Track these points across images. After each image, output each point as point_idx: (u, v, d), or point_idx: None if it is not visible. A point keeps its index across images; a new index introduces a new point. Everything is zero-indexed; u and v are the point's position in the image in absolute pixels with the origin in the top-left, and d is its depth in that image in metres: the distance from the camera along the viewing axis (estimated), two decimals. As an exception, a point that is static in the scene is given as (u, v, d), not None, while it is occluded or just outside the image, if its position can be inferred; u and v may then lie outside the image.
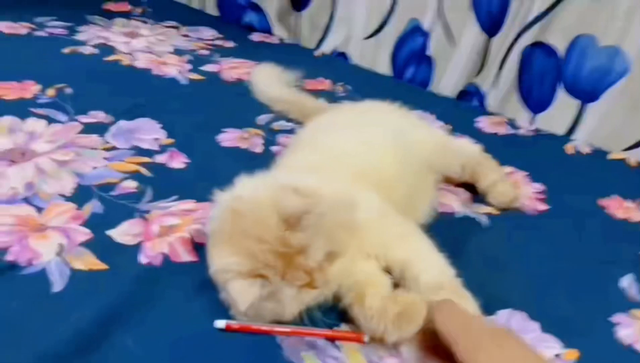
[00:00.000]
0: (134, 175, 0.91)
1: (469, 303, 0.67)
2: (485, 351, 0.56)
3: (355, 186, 0.76)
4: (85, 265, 0.71)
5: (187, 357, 0.61)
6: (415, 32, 1.51)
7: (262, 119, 1.18)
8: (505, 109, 1.42)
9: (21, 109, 1.05)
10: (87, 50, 1.38)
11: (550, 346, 0.70)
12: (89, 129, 1.03)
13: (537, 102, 1.38)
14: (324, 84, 1.42)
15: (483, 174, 1.01)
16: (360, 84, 1.44)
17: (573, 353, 0.69)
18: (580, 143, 1.29)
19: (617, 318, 0.76)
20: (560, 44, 1.29)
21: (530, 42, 1.33)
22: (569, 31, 1.27)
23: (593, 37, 1.25)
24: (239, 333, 0.65)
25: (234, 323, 0.65)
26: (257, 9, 1.77)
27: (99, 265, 0.72)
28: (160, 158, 0.97)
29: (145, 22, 1.67)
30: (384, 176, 0.82)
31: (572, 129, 1.35)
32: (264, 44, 1.69)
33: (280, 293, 0.64)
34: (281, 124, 1.17)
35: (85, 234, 0.76)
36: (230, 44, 1.61)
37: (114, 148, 0.98)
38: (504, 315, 0.74)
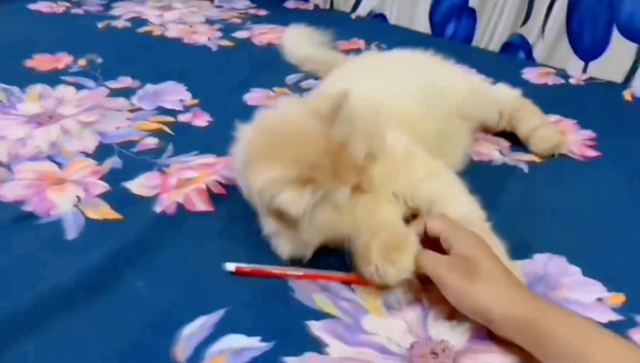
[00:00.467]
0: (156, 133, 0.91)
1: (495, 246, 0.62)
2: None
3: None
4: (99, 214, 0.71)
5: (197, 299, 0.59)
6: (454, -16, 1.43)
7: (291, 79, 1.15)
8: (554, 59, 1.32)
9: (53, 78, 1.07)
10: (120, 24, 1.40)
11: (592, 289, 0.63)
12: (116, 93, 1.03)
13: (589, 49, 1.28)
14: (358, 44, 1.37)
15: (523, 120, 0.94)
16: (397, 43, 1.37)
17: (618, 297, 0.62)
18: (639, 89, 1.18)
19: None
20: (612, -20, 1.18)
21: (578, -19, 1.23)
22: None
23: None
24: (250, 277, 0.63)
25: (244, 266, 0.63)
26: (292, -24, 1.74)
27: (113, 214, 0.71)
28: (183, 117, 0.96)
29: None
30: (409, 117, 0.77)
31: (629, 76, 1.24)
32: (298, 11, 1.65)
33: (334, 196, 0.59)
34: (310, 83, 1.13)
35: (102, 187, 0.76)
36: (263, 12, 1.58)
37: (139, 110, 0.98)
38: (541, 259, 0.68)
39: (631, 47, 1.22)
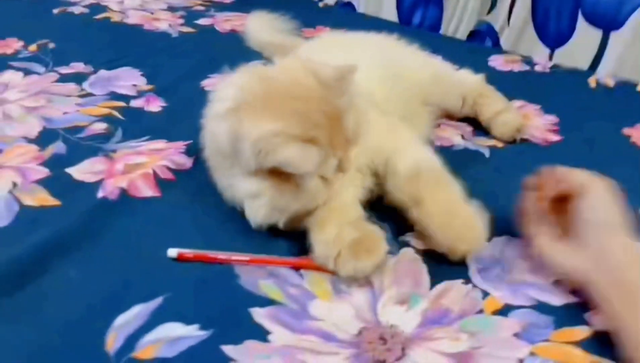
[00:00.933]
0: (106, 118, 0.87)
1: (448, 188, 0.62)
2: None
3: None
4: (36, 201, 0.67)
5: (135, 287, 0.56)
6: (420, -28, 1.41)
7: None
8: (521, 46, 1.31)
9: (0, 63, 1.02)
10: (77, 9, 1.34)
11: (549, 272, 0.61)
12: (66, 79, 0.99)
13: (555, 36, 1.27)
14: (323, 31, 1.34)
15: (485, 105, 0.92)
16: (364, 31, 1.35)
17: (575, 279, 0.60)
18: (604, 76, 1.17)
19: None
20: (576, -34, 1.18)
21: (542, -33, 1.22)
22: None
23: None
24: (194, 263, 0.59)
25: (186, 252, 0.59)
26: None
27: (51, 201, 0.67)
28: (136, 103, 0.93)
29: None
30: (375, 98, 0.74)
31: (595, 63, 1.24)
32: (265, -1, 1.61)
33: (327, 163, 0.57)
34: (272, 69, 1.10)
35: (42, 172, 0.72)
36: (228, 0, 1.54)
37: (89, 95, 0.94)
38: (499, 242, 0.66)
39: (596, 34, 1.21)
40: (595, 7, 1.20)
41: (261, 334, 0.52)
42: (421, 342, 0.52)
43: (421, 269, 0.61)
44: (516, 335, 0.53)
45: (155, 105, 0.92)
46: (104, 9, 1.37)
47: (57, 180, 0.71)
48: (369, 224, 0.60)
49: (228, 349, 0.50)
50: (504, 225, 0.68)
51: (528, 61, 1.24)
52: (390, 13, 1.49)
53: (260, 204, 0.59)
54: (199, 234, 0.64)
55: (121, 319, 0.52)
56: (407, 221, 0.66)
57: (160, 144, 0.80)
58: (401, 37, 0.98)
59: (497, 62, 1.23)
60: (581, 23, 1.23)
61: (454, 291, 0.58)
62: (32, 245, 0.59)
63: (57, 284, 0.56)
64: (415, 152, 0.66)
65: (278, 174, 0.56)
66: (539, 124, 0.95)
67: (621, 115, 1.00)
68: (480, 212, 0.61)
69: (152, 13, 1.37)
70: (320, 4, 1.59)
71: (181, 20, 1.34)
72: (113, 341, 0.50)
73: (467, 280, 0.60)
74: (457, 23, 1.38)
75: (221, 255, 0.60)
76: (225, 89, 0.62)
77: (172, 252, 0.59)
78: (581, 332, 0.54)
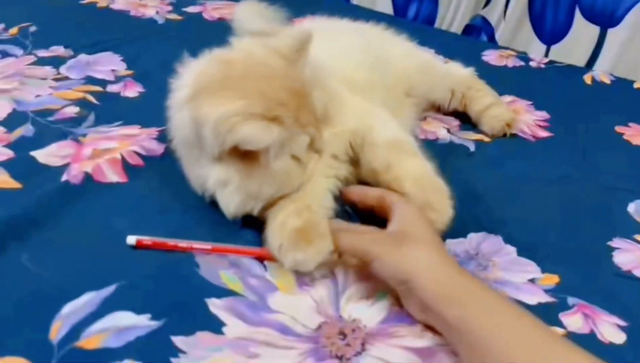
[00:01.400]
0: (79, 102, 0.84)
1: (422, 161, 0.62)
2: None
3: None
4: (-5, 183, 0.64)
5: (88, 275, 0.53)
6: (415, -36, 1.38)
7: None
8: (516, 42, 1.28)
9: (-22, 46, 1.00)
10: (64, -6, 1.32)
11: (526, 270, 0.59)
12: (43, 62, 0.96)
13: (551, 32, 1.24)
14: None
15: (475, 99, 0.89)
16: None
17: (552, 278, 0.58)
18: (601, 73, 1.14)
19: (616, 243, 0.64)
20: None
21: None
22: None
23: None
24: (152, 252, 0.57)
25: (146, 239, 0.57)
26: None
27: (11, 183, 0.65)
28: (113, 88, 0.90)
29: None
30: (354, 83, 0.71)
31: (591, 60, 1.21)
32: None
33: (295, 140, 0.54)
34: (257, 58, 1.07)
35: (6, 155, 0.70)
36: (220, -11, 1.52)
37: (65, 79, 0.91)
38: (475, 238, 0.63)
39: (594, 30, 1.19)
40: (593, 3, 1.18)
41: (216, 326, 0.49)
42: (383, 338, 0.49)
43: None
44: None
45: (133, 91, 0.89)
46: (91, -6, 1.34)
47: (20, 163, 0.68)
48: (318, 214, 0.56)
49: (178, 340, 0.47)
50: (482, 221, 0.66)
51: (523, 56, 1.21)
52: (385, 5, 1.46)
53: (230, 192, 0.56)
54: (163, 222, 0.61)
55: (69, 307, 0.49)
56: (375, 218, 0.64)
57: (133, 130, 0.78)
58: (395, 29, 0.96)
59: (490, 57, 1.20)
60: (578, 19, 1.20)
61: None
62: (-17, 228, 0.57)
63: (9, 268, 0.53)
64: (393, 128, 0.65)
65: (244, 157, 0.53)
66: (528, 120, 0.92)
67: (616, 112, 0.98)
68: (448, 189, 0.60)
69: (140, 0, 1.34)
70: (314, -5, 1.56)
71: (169, 8, 1.31)
72: (58, 329, 0.47)
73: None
74: (452, 17, 1.35)
75: (182, 243, 0.57)
76: (183, 78, 0.60)
77: (131, 239, 0.57)
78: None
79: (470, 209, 0.68)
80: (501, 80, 1.01)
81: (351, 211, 0.63)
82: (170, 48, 1.07)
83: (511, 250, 0.62)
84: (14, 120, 0.78)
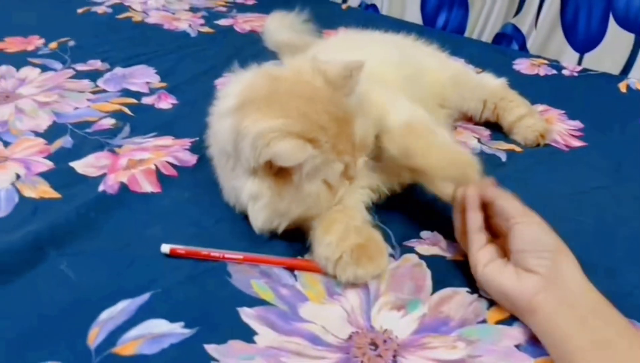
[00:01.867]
0: (115, 114, 0.86)
1: (436, 136, 0.61)
2: None
3: None
4: (37, 193, 0.67)
5: (124, 282, 0.55)
6: (445, -26, 1.38)
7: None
8: (548, 50, 1.27)
9: (20, 60, 1.04)
10: (100, 9, 1.36)
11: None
12: (81, 75, 0.99)
13: (584, 40, 1.22)
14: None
15: (508, 109, 0.88)
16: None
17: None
18: (636, 80, 1.12)
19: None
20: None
21: (571, -32, 1.17)
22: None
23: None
24: (185, 261, 0.58)
25: (179, 248, 0.58)
26: (284, -33, 1.70)
27: (52, 193, 0.67)
28: (147, 100, 0.92)
29: (168, -15, 1.63)
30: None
31: (626, 67, 1.18)
32: (287, 1, 1.60)
33: (329, 167, 0.55)
34: (287, 69, 1.08)
35: (46, 165, 0.72)
36: (250, 1, 1.54)
37: (102, 91, 0.94)
38: (507, 250, 0.62)
39: (628, 37, 1.16)
40: (627, 10, 1.15)
41: (247, 334, 0.50)
42: (415, 349, 0.49)
43: (424, 275, 0.58)
44: (518, 346, 0.50)
45: (167, 102, 0.92)
46: (127, 9, 1.38)
47: (60, 173, 0.71)
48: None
49: (211, 348, 0.48)
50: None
51: (555, 64, 1.20)
52: (414, 15, 1.46)
53: (260, 207, 0.57)
54: (196, 231, 0.62)
55: (106, 313, 0.51)
56: (409, 227, 0.64)
57: (166, 140, 0.79)
58: (425, 39, 0.96)
59: (522, 65, 1.19)
60: (612, 27, 1.18)
61: (456, 299, 0.55)
62: (26, 236, 0.59)
63: (49, 275, 0.55)
64: (407, 109, 0.64)
65: (277, 174, 0.55)
66: (561, 129, 0.91)
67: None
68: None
69: (173, 13, 1.38)
70: (343, 6, 1.57)
71: (201, 21, 1.34)
72: (95, 335, 0.48)
73: (473, 289, 0.57)
74: (482, 25, 1.35)
75: (214, 253, 0.58)
76: (231, 87, 0.61)
77: (165, 248, 0.58)
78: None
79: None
80: (533, 89, 0.99)
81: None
82: (203, 61, 1.11)
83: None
84: (54, 132, 0.80)
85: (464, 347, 0.49)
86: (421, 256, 0.60)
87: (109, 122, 0.83)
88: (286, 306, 0.53)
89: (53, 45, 1.12)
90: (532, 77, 1.14)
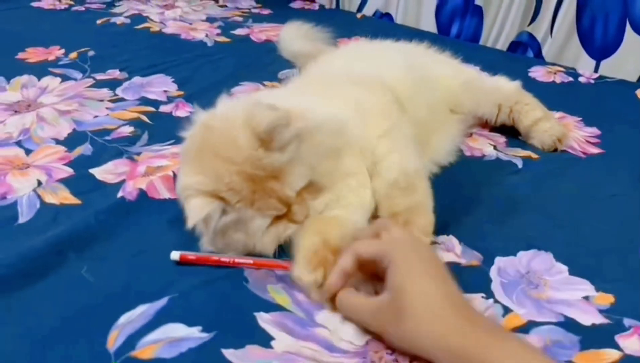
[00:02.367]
0: (134, 122, 0.88)
1: (415, 196, 0.61)
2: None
3: (358, 88, 0.70)
4: (57, 199, 0.68)
5: (142, 287, 0.55)
6: (459, -17, 1.38)
7: (284, 73, 1.12)
8: (564, 58, 1.26)
9: (41, 70, 1.06)
10: (119, 20, 1.39)
11: (579, 288, 0.57)
12: (101, 84, 1.01)
13: (600, 47, 1.21)
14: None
15: (523, 113, 0.88)
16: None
17: (606, 298, 0.56)
18: (654, 88, 1.11)
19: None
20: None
21: (587, -25, 1.17)
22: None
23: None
24: (202, 266, 0.58)
25: (189, 254, 0.59)
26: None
27: (72, 199, 0.68)
28: (165, 108, 0.94)
29: (185, -4, 1.66)
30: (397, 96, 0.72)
31: (644, 75, 1.17)
32: (303, 11, 1.62)
33: (249, 222, 0.56)
34: (302, 78, 1.09)
35: (67, 172, 0.73)
36: (266, 12, 1.56)
37: (121, 100, 0.96)
38: (525, 257, 0.62)
39: (646, 44, 1.15)
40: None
41: (264, 339, 0.50)
42: (431, 355, 0.49)
43: (440, 281, 0.58)
44: (536, 354, 0.49)
45: (184, 110, 0.93)
46: (145, 19, 1.40)
47: (80, 180, 0.72)
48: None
49: (228, 353, 0.48)
50: (531, 238, 0.65)
51: (571, 72, 1.19)
52: (429, 24, 1.47)
53: (205, 240, 0.60)
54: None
55: (125, 317, 0.51)
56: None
57: (184, 148, 0.80)
58: (439, 47, 0.96)
59: (538, 73, 1.18)
60: (629, 34, 1.17)
61: (472, 304, 0.55)
62: (47, 241, 0.60)
63: (70, 279, 0.56)
64: (397, 162, 0.64)
65: None
66: (578, 136, 0.90)
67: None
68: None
69: (190, 24, 1.40)
70: (358, 16, 1.58)
71: (218, 31, 1.36)
72: (115, 339, 0.49)
73: (489, 295, 0.56)
74: (497, 33, 1.35)
75: (224, 258, 0.58)
76: (185, 137, 0.63)
77: (175, 255, 0.59)
78: (610, 355, 0.50)
79: (519, 226, 0.67)
80: (549, 96, 0.99)
81: None
82: (220, 69, 1.12)
83: (563, 268, 0.60)
84: (74, 140, 0.82)
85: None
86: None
87: (127, 130, 0.85)
88: (302, 313, 0.53)
89: (73, 55, 1.14)
90: (548, 85, 1.14)
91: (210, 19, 1.45)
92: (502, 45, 1.34)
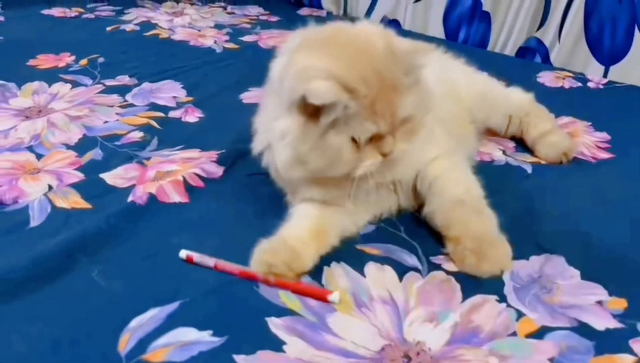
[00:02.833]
0: (144, 127, 0.88)
1: (486, 221, 0.61)
2: None
3: None
4: (68, 203, 0.68)
5: (154, 290, 0.55)
6: (466, -11, 1.38)
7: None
8: (573, 63, 1.26)
9: (52, 76, 1.07)
10: (129, 27, 1.40)
11: (592, 292, 0.57)
12: (111, 90, 1.02)
13: (609, 52, 1.21)
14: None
15: (532, 125, 0.87)
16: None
17: (620, 302, 0.55)
18: (665, 93, 1.11)
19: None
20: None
21: (595, -20, 1.17)
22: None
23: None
24: (215, 271, 0.58)
25: (195, 255, 0.59)
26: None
27: (82, 203, 0.69)
28: (174, 113, 0.94)
29: (193, 4, 1.67)
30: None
31: (654, 80, 1.17)
32: (310, 17, 1.62)
33: (360, 123, 0.55)
34: (311, 83, 1.10)
35: (77, 177, 0.74)
36: (274, 19, 1.57)
37: (131, 106, 0.96)
38: (537, 261, 0.62)
39: (655, 49, 1.15)
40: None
41: (276, 344, 0.50)
42: (447, 361, 0.48)
43: (454, 288, 0.58)
44: (552, 360, 0.49)
45: (193, 116, 0.93)
46: (154, 26, 1.42)
47: (90, 184, 0.73)
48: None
49: (240, 359, 0.48)
50: (543, 243, 0.64)
51: (580, 77, 1.19)
52: (436, 29, 1.47)
53: (285, 145, 0.58)
54: (221, 241, 0.63)
55: (136, 321, 0.51)
56: (437, 242, 0.63)
57: (193, 153, 0.81)
58: (448, 52, 0.96)
59: (546, 78, 1.18)
60: (638, 39, 1.17)
61: (486, 307, 0.55)
62: (58, 244, 0.60)
63: (81, 283, 0.56)
64: (463, 184, 0.65)
65: (311, 116, 0.55)
66: (587, 141, 0.90)
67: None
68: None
69: (199, 30, 1.40)
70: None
71: (226, 37, 1.37)
72: (126, 342, 0.49)
73: (502, 299, 0.56)
74: (505, 39, 1.35)
75: (234, 268, 0.58)
76: (300, 34, 0.62)
77: (182, 254, 0.59)
78: (625, 360, 0.49)
79: (530, 231, 0.67)
80: (558, 101, 0.99)
81: None
82: (228, 75, 1.13)
83: (575, 272, 0.60)
84: (84, 145, 0.82)
85: (496, 361, 0.48)
86: (448, 273, 0.60)
87: (137, 135, 0.85)
88: (314, 317, 0.53)
89: (83, 62, 1.15)
90: (556, 90, 1.13)
91: (218, 26, 1.46)
92: (510, 50, 1.34)
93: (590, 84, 1.16)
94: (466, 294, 0.56)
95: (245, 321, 0.52)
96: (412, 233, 0.65)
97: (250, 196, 0.70)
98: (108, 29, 1.38)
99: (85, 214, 0.66)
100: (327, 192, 0.62)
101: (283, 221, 0.63)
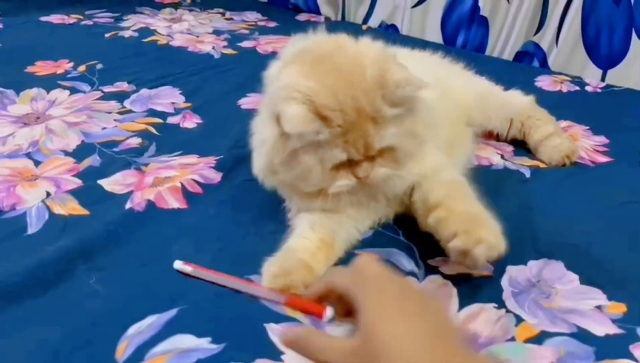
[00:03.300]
0: (142, 133, 0.88)
1: (473, 204, 0.60)
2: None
3: None
4: (66, 210, 0.68)
5: (151, 297, 0.55)
6: (464, -6, 1.39)
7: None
8: (570, 67, 1.26)
9: (50, 82, 1.07)
10: (127, 34, 1.40)
11: (591, 297, 0.57)
12: (109, 97, 1.02)
13: (607, 56, 1.21)
14: (365, 53, 1.33)
15: (535, 128, 0.87)
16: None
17: (619, 307, 0.55)
18: (663, 96, 1.11)
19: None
20: (628, -18, 1.13)
21: (593, -15, 1.17)
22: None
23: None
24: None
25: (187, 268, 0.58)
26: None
27: (80, 210, 0.68)
28: (172, 119, 0.94)
29: (192, 10, 1.67)
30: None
31: (651, 84, 1.17)
32: (308, 23, 1.62)
33: (329, 149, 0.55)
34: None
35: (75, 183, 0.74)
36: (272, 24, 1.57)
37: (129, 112, 0.96)
38: (535, 265, 0.62)
39: (652, 53, 1.15)
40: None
41: (274, 352, 0.49)
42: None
43: (450, 292, 0.58)
44: (550, 365, 0.49)
45: (191, 122, 0.93)
46: (152, 32, 1.42)
47: (88, 191, 0.72)
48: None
49: (238, 366, 0.48)
50: (541, 247, 0.64)
51: (577, 81, 1.19)
52: (434, 34, 1.47)
53: (261, 153, 0.60)
54: (220, 247, 0.63)
55: (134, 328, 0.51)
56: (435, 245, 0.62)
57: (191, 159, 0.81)
58: (446, 57, 0.96)
59: (544, 82, 1.18)
60: (635, 43, 1.17)
61: (484, 315, 0.54)
62: (56, 251, 0.60)
63: (79, 290, 0.56)
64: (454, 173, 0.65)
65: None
66: (586, 145, 0.90)
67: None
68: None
69: (197, 36, 1.41)
70: (364, 27, 1.59)
71: (224, 43, 1.37)
72: (124, 349, 0.49)
73: (500, 305, 0.56)
74: (503, 44, 1.35)
75: (232, 280, 0.57)
76: (300, 41, 0.62)
77: (177, 264, 0.58)
78: (625, 365, 0.49)
79: (528, 235, 0.67)
80: (556, 105, 0.98)
81: None
82: (226, 81, 1.13)
83: (574, 277, 0.60)
84: (82, 151, 0.82)
85: (494, 366, 0.48)
86: (445, 276, 0.60)
87: (135, 142, 0.85)
88: (313, 324, 0.52)
89: (82, 68, 1.15)
90: (554, 94, 1.14)
91: (216, 32, 1.46)
92: (508, 55, 1.34)
93: (588, 88, 1.16)
94: (463, 299, 0.56)
95: (244, 328, 0.52)
96: (410, 235, 0.65)
97: (249, 202, 0.70)
98: (106, 35, 1.38)
99: (83, 221, 0.66)
100: (311, 203, 0.62)
101: (281, 226, 0.64)
